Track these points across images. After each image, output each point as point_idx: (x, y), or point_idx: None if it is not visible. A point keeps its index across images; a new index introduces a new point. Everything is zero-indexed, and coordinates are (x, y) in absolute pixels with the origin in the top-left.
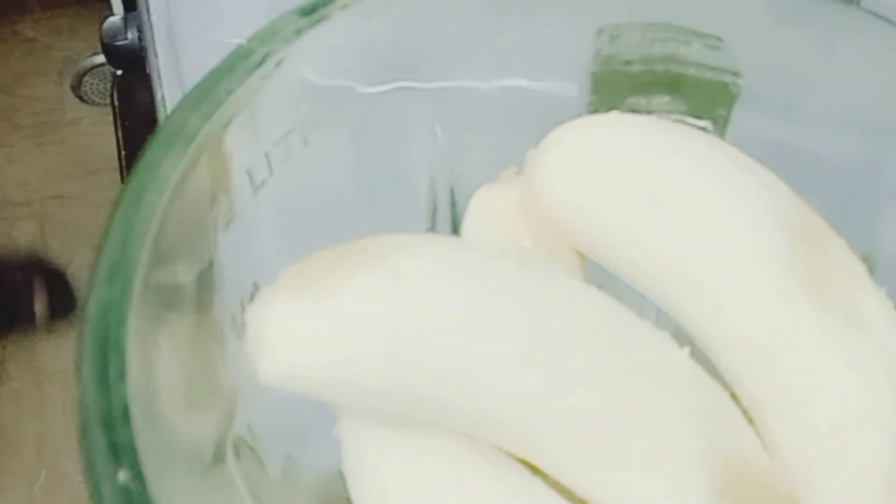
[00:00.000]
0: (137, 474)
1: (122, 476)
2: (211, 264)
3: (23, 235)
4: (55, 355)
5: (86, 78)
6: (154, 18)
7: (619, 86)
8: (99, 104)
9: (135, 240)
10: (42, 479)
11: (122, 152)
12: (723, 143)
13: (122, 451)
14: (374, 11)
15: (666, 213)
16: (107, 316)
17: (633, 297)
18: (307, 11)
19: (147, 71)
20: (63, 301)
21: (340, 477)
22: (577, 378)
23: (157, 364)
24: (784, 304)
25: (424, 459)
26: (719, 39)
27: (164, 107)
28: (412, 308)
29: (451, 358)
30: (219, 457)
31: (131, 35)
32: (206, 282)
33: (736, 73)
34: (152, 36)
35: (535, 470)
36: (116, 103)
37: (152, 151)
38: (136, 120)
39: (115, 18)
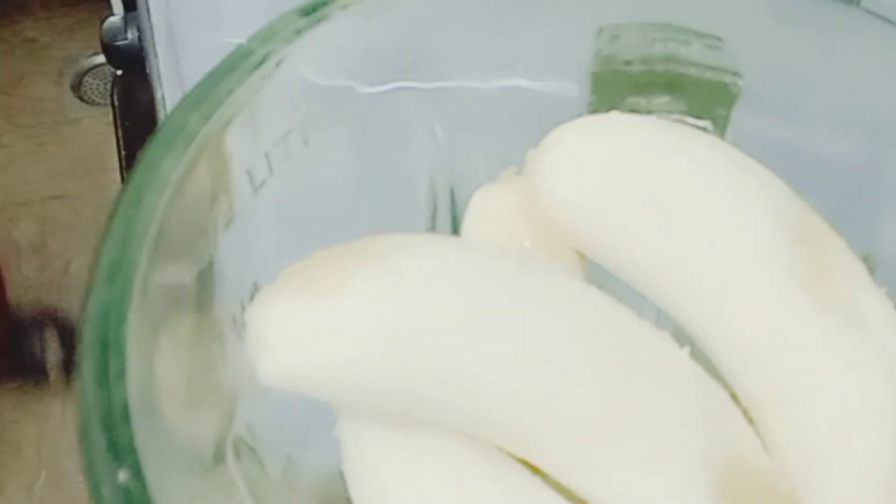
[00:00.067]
0: (137, 474)
1: (122, 476)
2: (211, 264)
3: (23, 235)
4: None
5: (86, 78)
6: (154, 18)
7: (619, 86)
8: (99, 104)
9: (135, 240)
10: (42, 479)
11: (122, 152)
12: (723, 143)
13: (122, 451)
14: (374, 11)
15: (666, 213)
16: (107, 316)
17: (633, 297)
18: (307, 11)
19: (147, 71)
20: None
21: (340, 477)
22: (577, 378)
23: (157, 364)
24: (784, 304)
25: (424, 459)
26: (719, 39)
27: (164, 107)
28: (412, 308)
29: (451, 358)
30: (219, 457)
31: (131, 35)
32: (206, 282)
33: (736, 73)
34: (152, 36)
35: (535, 470)
36: (116, 103)
37: (152, 151)
38: (136, 120)
39: (115, 18)
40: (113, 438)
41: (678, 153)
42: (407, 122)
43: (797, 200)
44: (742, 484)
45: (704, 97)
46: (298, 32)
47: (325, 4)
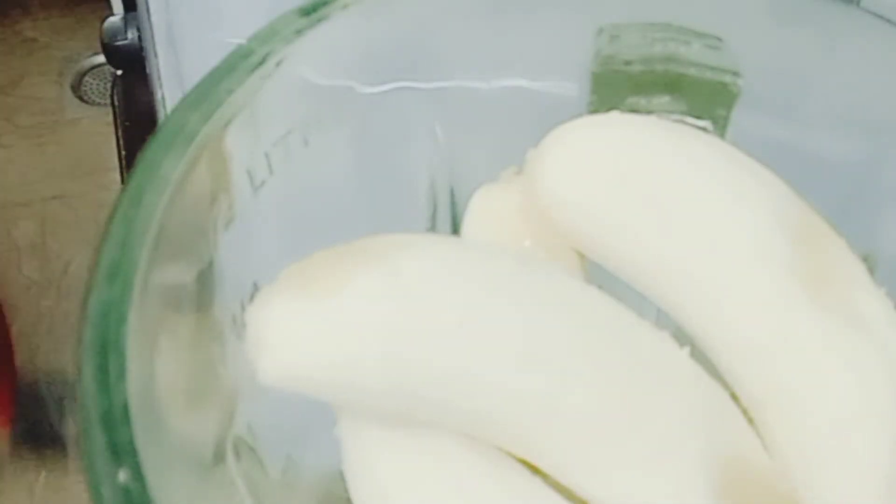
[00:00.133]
0: (137, 474)
1: (122, 476)
2: (211, 264)
3: (23, 235)
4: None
5: (86, 78)
6: (154, 18)
7: (619, 86)
8: (99, 104)
9: (135, 240)
10: (42, 479)
11: (122, 152)
12: (723, 143)
13: (122, 451)
14: (374, 11)
15: (666, 213)
16: (107, 316)
17: (633, 297)
18: (307, 11)
19: (147, 71)
20: None
21: (340, 477)
22: (577, 378)
23: (157, 364)
24: (784, 304)
25: (424, 459)
26: (719, 39)
27: (164, 107)
28: (412, 308)
29: (451, 358)
30: (219, 457)
31: (131, 35)
32: (206, 282)
33: (736, 73)
34: (152, 36)
35: (535, 470)
36: (116, 103)
37: (152, 151)
38: (136, 120)
39: (115, 18)
40: (113, 438)
41: (678, 153)
42: (407, 122)
43: (797, 200)
44: (742, 484)
45: (704, 97)
46: (298, 32)
47: (325, 4)
